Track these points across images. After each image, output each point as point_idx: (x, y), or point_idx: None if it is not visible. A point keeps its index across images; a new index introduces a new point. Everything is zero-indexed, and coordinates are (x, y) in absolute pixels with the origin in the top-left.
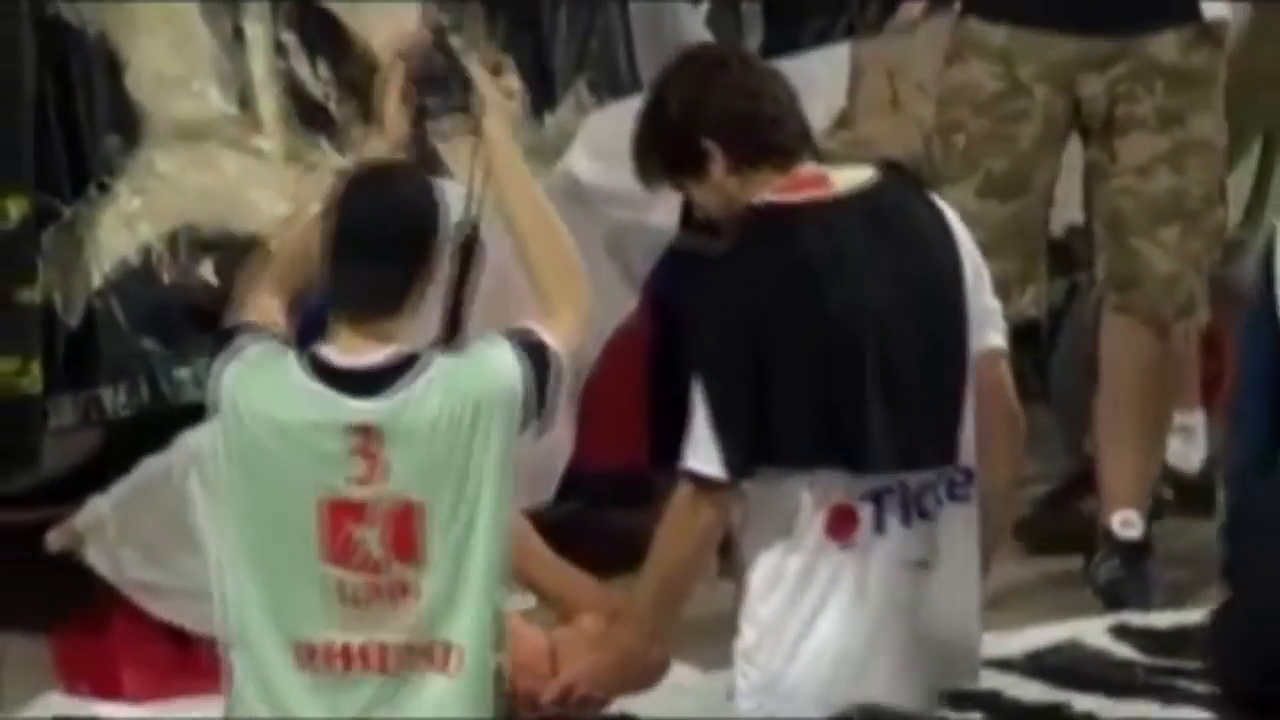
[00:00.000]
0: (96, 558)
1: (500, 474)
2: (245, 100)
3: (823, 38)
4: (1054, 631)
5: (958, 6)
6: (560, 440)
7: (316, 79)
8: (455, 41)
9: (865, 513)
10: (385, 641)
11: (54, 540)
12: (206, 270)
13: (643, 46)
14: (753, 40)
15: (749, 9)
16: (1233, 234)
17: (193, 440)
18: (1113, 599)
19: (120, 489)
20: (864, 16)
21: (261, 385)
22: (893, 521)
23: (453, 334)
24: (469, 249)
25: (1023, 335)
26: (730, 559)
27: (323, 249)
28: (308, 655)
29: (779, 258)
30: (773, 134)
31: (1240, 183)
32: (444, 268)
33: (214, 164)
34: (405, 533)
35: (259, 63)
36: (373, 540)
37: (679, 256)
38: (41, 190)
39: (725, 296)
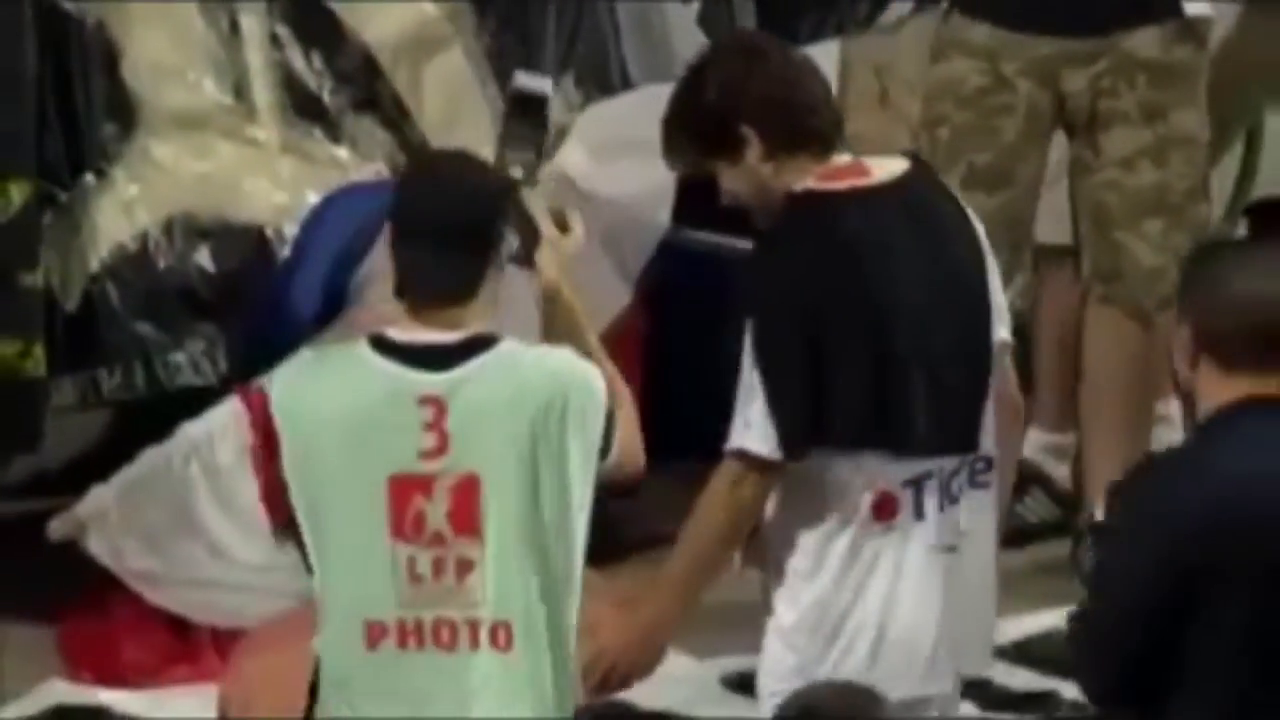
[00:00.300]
0: (98, 546)
1: (568, 462)
2: (241, 91)
3: (813, 36)
4: (1041, 619)
5: (944, 5)
6: None
7: (311, 70)
8: (526, 194)
9: (906, 498)
10: (452, 618)
11: (56, 529)
12: (202, 256)
13: (631, 45)
14: None
15: (740, 7)
16: (1216, 229)
17: (193, 430)
18: None
19: (121, 479)
20: (853, 15)
21: (321, 379)
22: (930, 506)
23: None
24: None
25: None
26: (754, 547)
27: (389, 239)
28: (379, 634)
29: (830, 243)
30: (810, 122)
31: (1224, 177)
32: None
33: (210, 152)
34: (467, 506)
35: (254, 54)
36: (438, 514)
37: (672, 252)
38: (40, 176)
39: (779, 281)
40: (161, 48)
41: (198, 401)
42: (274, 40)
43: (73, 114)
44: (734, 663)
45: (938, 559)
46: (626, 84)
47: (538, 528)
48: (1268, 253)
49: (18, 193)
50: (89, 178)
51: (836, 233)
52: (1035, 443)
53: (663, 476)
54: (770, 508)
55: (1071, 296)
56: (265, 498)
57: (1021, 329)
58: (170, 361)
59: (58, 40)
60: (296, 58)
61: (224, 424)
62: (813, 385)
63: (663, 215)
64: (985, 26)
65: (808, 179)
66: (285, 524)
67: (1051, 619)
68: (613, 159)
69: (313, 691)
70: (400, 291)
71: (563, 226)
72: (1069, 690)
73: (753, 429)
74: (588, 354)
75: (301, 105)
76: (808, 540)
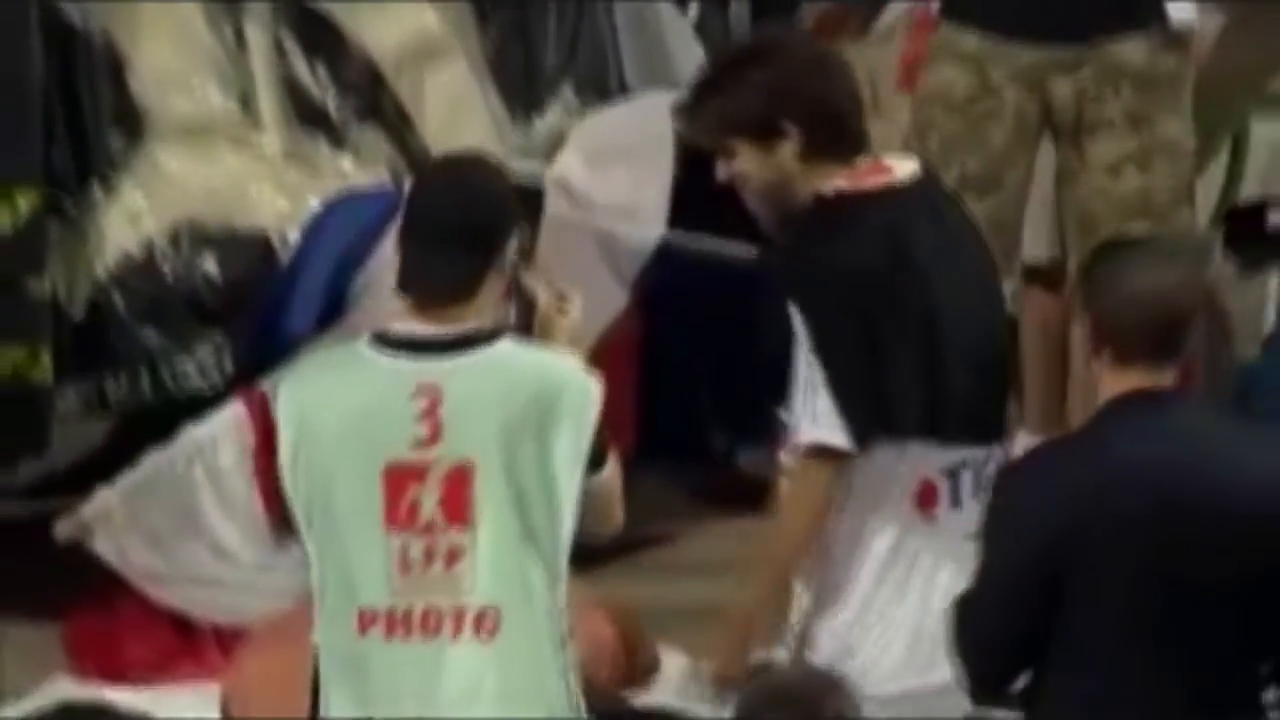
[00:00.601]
0: (104, 546)
1: (558, 454)
2: (246, 100)
3: None
4: None
5: (934, 13)
6: None
7: (315, 80)
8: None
9: (944, 487)
10: (440, 606)
11: (63, 530)
12: (208, 264)
13: (630, 52)
14: None
15: (737, 14)
16: (1202, 235)
17: (197, 433)
18: None
19: (126, 480)
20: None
21: (324, 375)
22: (966, 495)
23: None
24: None
25: None
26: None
27: (398, 237)
28: (369, 623)
29: (876, 238)
30: (849, 131)
31: (1210, 184)
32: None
33: (215, 161)
34: (459, 495)
35: (259, 64)
36: (431, 503)
37: (668, 257)
38: (47, 185)
39: (835, 275)
40: (167, 58)
41: (203, 406)
42: (279, 50)
43: (79, 123)
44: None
45: (969, 549)
46: (625, 91)
47: (526, 517)
48: (1162, 250)
49: (25, 201)
50: (96, 187)
51: (880, 228)
52: (1024, 445)
53: (657, 478)
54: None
55: (1052, 302)
56: (264, 496)
57: (1011, 333)
58: (177, 368)
59: (64, 50)
60: (301, 67)
61: (226, 427)
62: (872, 374)
63: (659, 221)
64: (974, 34)
65: (835, 180)
66: (285, 522)
67: None
68: (609, 165)
69: (316, 687)
70: (402, 286)
71: (561, 303)
72: None
73: (821, 421)
74: None
75: (306, 114)
76: (852, 529)
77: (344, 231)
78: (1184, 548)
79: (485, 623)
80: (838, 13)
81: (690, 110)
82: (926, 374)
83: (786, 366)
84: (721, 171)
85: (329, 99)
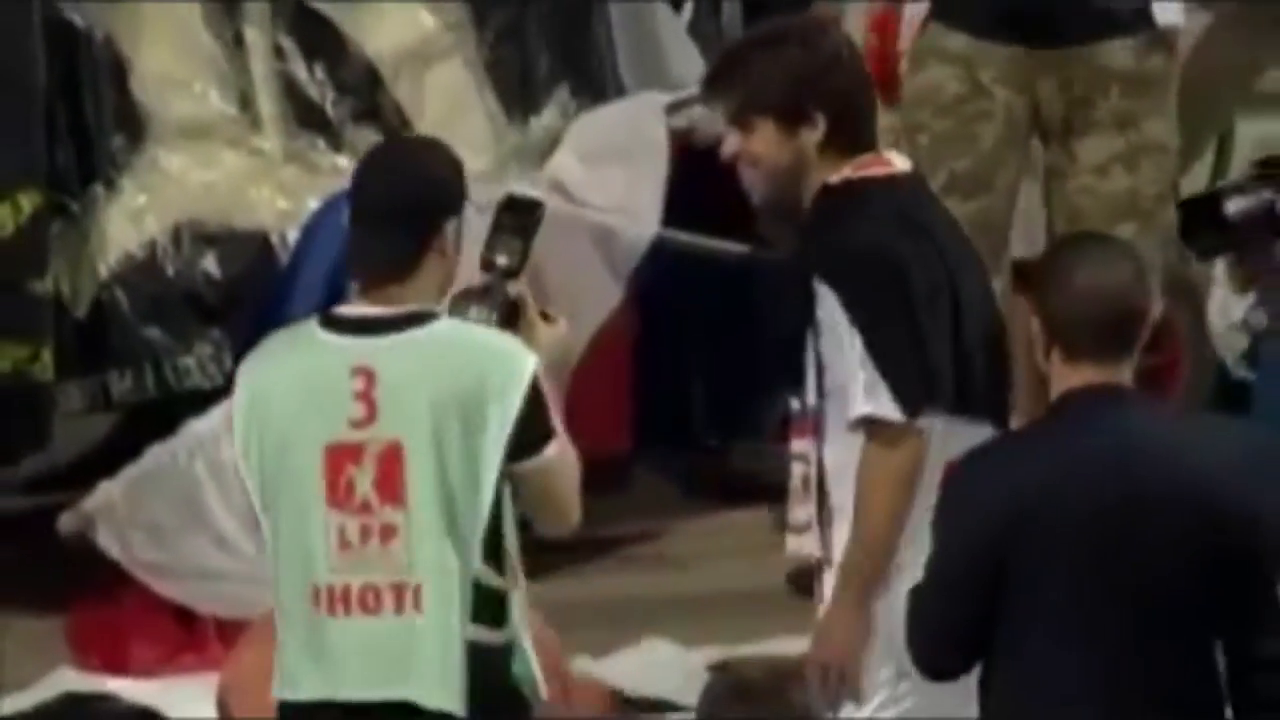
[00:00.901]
0: (106, 540)
1: (485, 432)
2: (245, 101)
3: None
4: None
5: (923, 14)
6: None
7: (314, 81)
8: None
9: None
10: (377, 583)
11: (66, 523)
12: (209, 263)
13: (624, 53)
14: None
15: (730, 15)
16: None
17: (198, 426)
18: None
19: (129, 474)
20: None
21: (275, 355)
22: None
23: None
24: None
25: None
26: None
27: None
28: (315, 600)
29: (903, 219)
30: (869, 126)
31: (1196, 184)
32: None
33: (216, 162)
34: (391, 474)
35: (258, 66)
36: (365, 482)
37: (663, 254)
38: (50, 187)
39: (869, 251)
40: (168, 60)
41: (205, 404)
42: (278, 52)
43: (82, 125)
44: (720, 651)
45: None
46: (620, 91)
47: (449, 497)
48: (1110, 247)
49: (28, 202)
50: (98, 187)
51: (899, 210)
52: None
53: (654, 471)
54: (842, 483)
55: None
56: None
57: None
58: (178, 365)
59: (67, 53)
60: (300, 69)
61: (227, 421)
62: (919, 350)
63: (653, 218)
64: (962, 35)
65: (844, 169)
66: None
67: None
68: (604, 164)
69: None
70: (348, 267)
71: (545, 319)
72: None
73: (874, 395)
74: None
75: (305, 115)
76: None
77: (342, 230)
78: (1130, 540)
79: (416, 597)
80: (832, 15)
81: (714, 81)
82: (956, 351)
83: (782, 359)
84: (729, 145)
85: (327, 100)
